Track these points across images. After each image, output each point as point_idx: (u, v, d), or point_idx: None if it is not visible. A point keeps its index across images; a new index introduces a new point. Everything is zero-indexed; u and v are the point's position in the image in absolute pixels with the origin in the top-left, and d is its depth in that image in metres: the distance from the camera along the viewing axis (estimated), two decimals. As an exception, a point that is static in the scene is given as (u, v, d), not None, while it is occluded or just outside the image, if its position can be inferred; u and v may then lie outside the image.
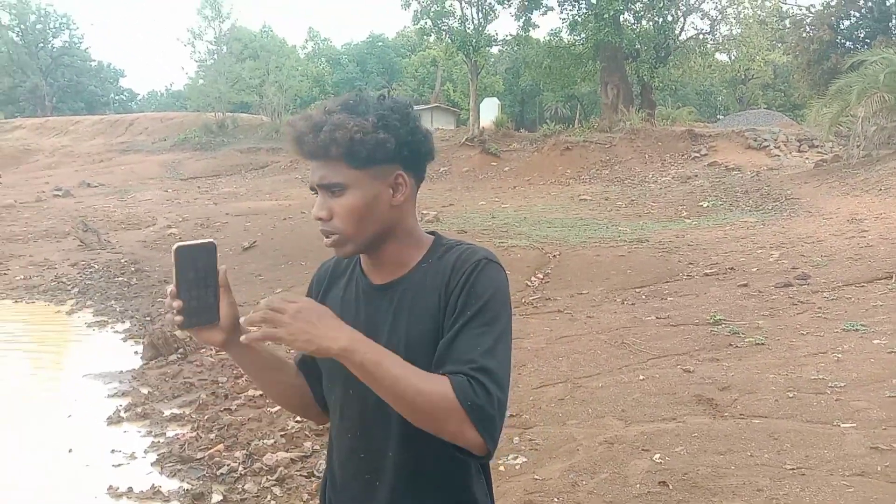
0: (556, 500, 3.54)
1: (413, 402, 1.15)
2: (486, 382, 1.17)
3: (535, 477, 3.81)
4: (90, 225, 13.35)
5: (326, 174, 1.26)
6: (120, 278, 10.25)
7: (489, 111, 29.53)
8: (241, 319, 1.25)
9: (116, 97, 64.72)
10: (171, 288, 1.22)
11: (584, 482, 3.65)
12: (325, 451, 4.36)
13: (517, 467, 3.96)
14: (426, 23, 27.19)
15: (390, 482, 1.33)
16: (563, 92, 34.64)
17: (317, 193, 1.31)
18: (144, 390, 5.85)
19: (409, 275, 1.32)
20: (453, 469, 1.34)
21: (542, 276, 8.64)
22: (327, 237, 1.31)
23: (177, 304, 1.21)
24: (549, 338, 6.25)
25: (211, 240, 1.28)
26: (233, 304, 1.29)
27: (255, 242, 11.82)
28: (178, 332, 6.74)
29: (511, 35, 28.53)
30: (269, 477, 4.15)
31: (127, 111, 53.85)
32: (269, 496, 3.94)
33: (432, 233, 1.39)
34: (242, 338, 1.19)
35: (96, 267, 11.05)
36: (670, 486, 3.47)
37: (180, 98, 52.40)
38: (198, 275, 1.23)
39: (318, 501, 3.84)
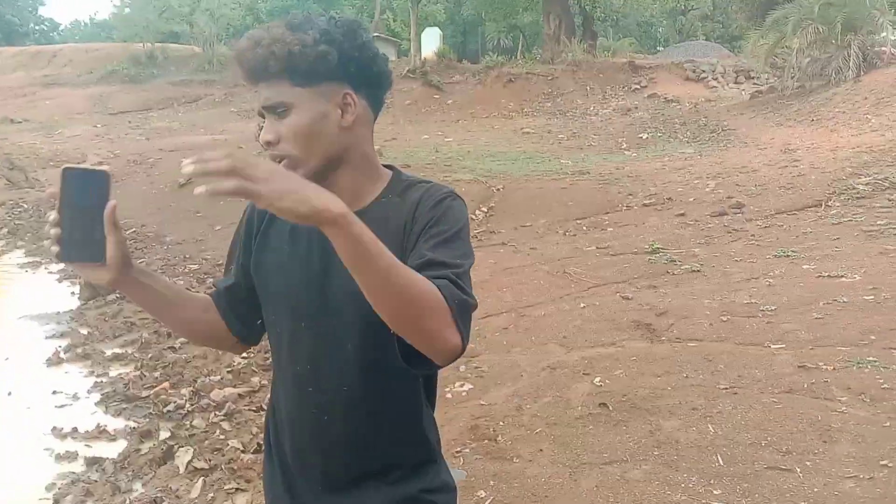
0: (501, 423, 3.66)
1: (403, 292, 1.04)
2: (465, 287, 1.14)
3: (482, 402, 3.92)
4: (16, 163, 12.73)
5: (270, 95, 1.20)
6: (51, 218, 9.87)
7: (430, 42, 28.92)
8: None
9: (37, 27, 60.87)
10: (52, 214, 1.09)
11: (528, 406, 3.78)
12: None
13: (464, 394, 4.06)
14: (364, -52, 26.22)
15: (342, 417, 1.31)
16: (506, 22, 34.10)
17: (263, 119, 1.25)
18: (84, 331, 5.72)
19: (367, 209, 1.27)
20: (407, 402, 1.33)
21: (486, 210, 8.69)
22: (277, 162, 1.23)
23: (55, 231, 1.09)
24: (494, 269, 6.34)
25: (105, 168, 1.15)
26: (122, 242, 1.16)
27: (190, 179, 11.49)
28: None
29: (452, -38, 27.81)
30: (217, 413, 4.16)
31: (49, 42, 50.82)
32: (217, 431, 3.95)
33: (389, 167, 1.35)
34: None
35: (25, 206, 10.62)
36: (610, 408, 3.62)
37: (106, 28, 49.63)
38: (84, 205, 1.10)
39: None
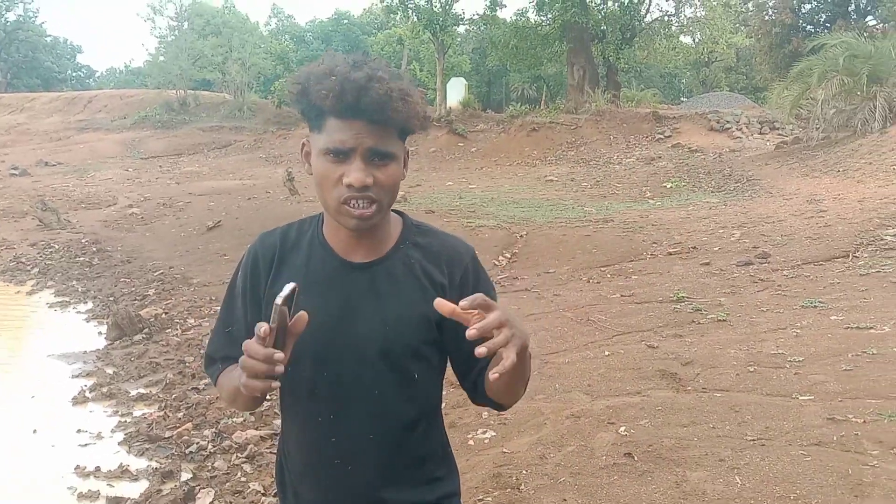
0: (524, 472, 3.61)
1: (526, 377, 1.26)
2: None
3: (504, 450, 3.87)
4: (49, 204, 13.04)
5: (382, 142, 1.21)
6: (81, 258, 10.06)
7: (456, 91, 29.47)
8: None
9: (74, 74, 63.03)
10: (271, 351, 1.07)
11: (551, 455, 3.72)
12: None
13: (486, 441, 4.02)
14: (392, 1, 26.93)
15: (371, 464, 1.31)
16: (530, 73, 34.69)
17: (339, 156, 1.21)
18: (109, 370, 5.78)
19: (388, 255, 1.31)
20: (429, 445, 1.37)
21: (509, 256, 8.70)
22: (363, 205, 1.22)
23: (279, 356, 1.07)
24: (517, 315, 6.32)
25: (293, 284, 1.13)
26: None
27: (219, 222, 11.68)
28: (142, 313, 6.67)
29: (478, 14, 28.46)
30: (238, 454, 4.16)
31: (85, 88, 52.44)
32: (239, 473, 3.94)
33: (397, 212, 1.37)
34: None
35: (56, 247, 10.83)
36: (635, 458, 3.55)
37: (140, 75, 51.13)
38: (285, 321, 1.12)
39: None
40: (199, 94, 34.84)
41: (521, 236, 9.46)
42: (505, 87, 41.77)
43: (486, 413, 4.36)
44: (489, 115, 25.13)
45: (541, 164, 18.33)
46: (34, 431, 4.67)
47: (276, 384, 1.08)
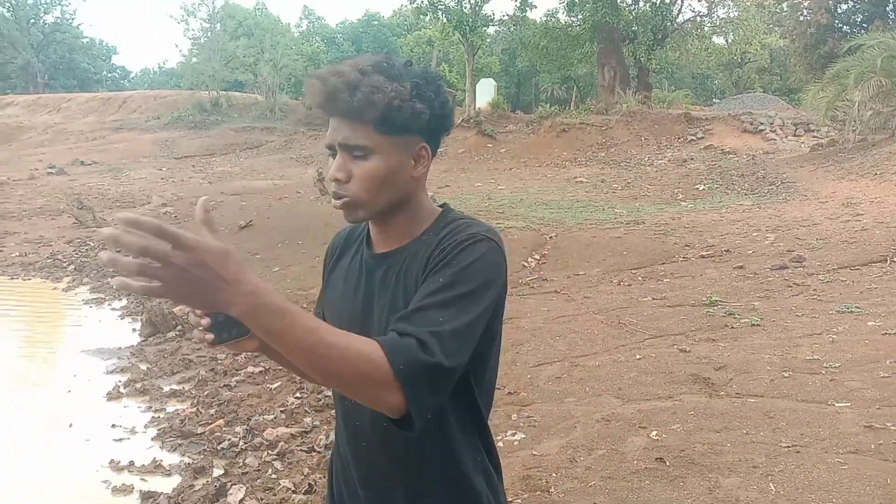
0: (554, 475, 3.59)
1: (328, 370, 1.02)
2: (436, 347, 1.08)
3: (534, 453, 3.86)
4: (85, 202, 13.29)
5: (352, 136, 1.22)
6: (116, 256, 10.23)
7: (485, 92, 29.42)
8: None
9: (109, 75, 64.16)
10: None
11: (581, 458, 3.70)
12: (325, 427, 4.34)
13: (516, 443, 4.01)
14: (422, 2, 26.99)
15: (383, 453, 1.31)
16: (560, 73, 34.49)
17: (333, 153, 1.26)
18: (143, 366, 5.87)
19: (408, 245, 1.30)
20: (446, 446, 1.29)
21: (538, 257, 8.66)
22: (338, 199, 1.26)
23: (205, 321, 1.09)
24: (547, 317, 6.29)
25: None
26: None
27: (251, 221, 11.80)
28: (175, 310, 6.76)
29: (507, 15, 28.39)
30: (269, 451, 4.19)
31: (120, 89, 53.36)
32: (270, 470, 3.98)
33: (443, 206, 1.36)
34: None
35: (92, 244, 11.03)
36: (667, 463, 3.52)
37: (173, 76, 51.92)
38: None
39: (317, 476, 3.85)
40: (232, 94, 35.24)
41: (551, 238, 9.41)
42: (534, 87, 41.63)
43: (515, 415, 4.35)
44: (518, 116, 25.04)
45: (570, 166, 18.23)
46: (70, 425, 4.76)
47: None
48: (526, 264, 8.40)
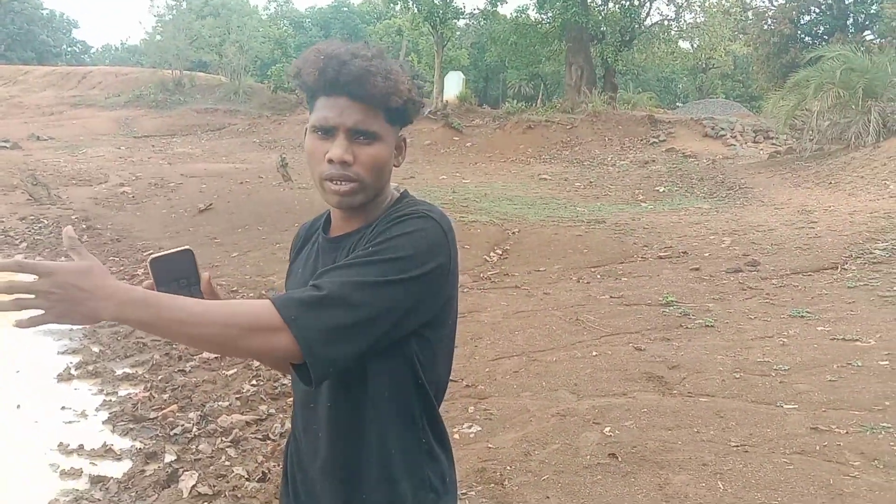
0: (508, 467, 3.63)
1: (204, 337, 1.07)
2: (324, 286, 1.11)
3: (489, 445, 3.89)
4: (40, 179, 12.93)
5: (364, 120, 1.22)
6: (70, 235, 9.99)
7: (453, 85, 29.42)
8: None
9: (69, 49, 62.35)
10: None
11: (536, 452, 3.75)
12: (280, 416, 4.31)
13: (472, 435, 4.03)
14: (393, -9, 26.85)
15: (329, 438, 1.30)
16: (528, 70, 34.65)
17: (325, 134, 1.24)
18: (96, 348, 5.75)
19: (361, 228, 1.30)
20: (391, 433, 1.28)
21: (500, 252, 8.71)
22: (342, 182, 1.24)
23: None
24: (506, 312, 6.34)
25: (187, 247, 1.23)
26: None
27: (210, 205, 11.62)
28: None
29: (478, 9, 28.45)
30: (223, 438, 4.14)
31: (80, 64, 51.89)
32: (223, 457, 3.93)
33: (404, 191, 1.37)
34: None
35: (46, 222, 10.74)
36: (619, 458, 3.58)
37: (136, 53, 50.78)
38: (179, 283, 1.19)
39: (271, 465, 3.82)
40: (195, 75, 34.57)
41: (513, 233, 9.47)
42: (502, 83, 41.73)
43: (472, 408, 4.37)
44: (485, 111, 25.11)
45: (535, 162, 18.35)
46: (18, 406, 4.64)
47: None
48: (488, 259, 8.45)
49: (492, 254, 8.58)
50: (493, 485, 3.48)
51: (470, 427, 4.13)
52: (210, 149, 21.53)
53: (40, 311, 1.00)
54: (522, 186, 14.48)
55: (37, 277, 1.00)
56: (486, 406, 4.41)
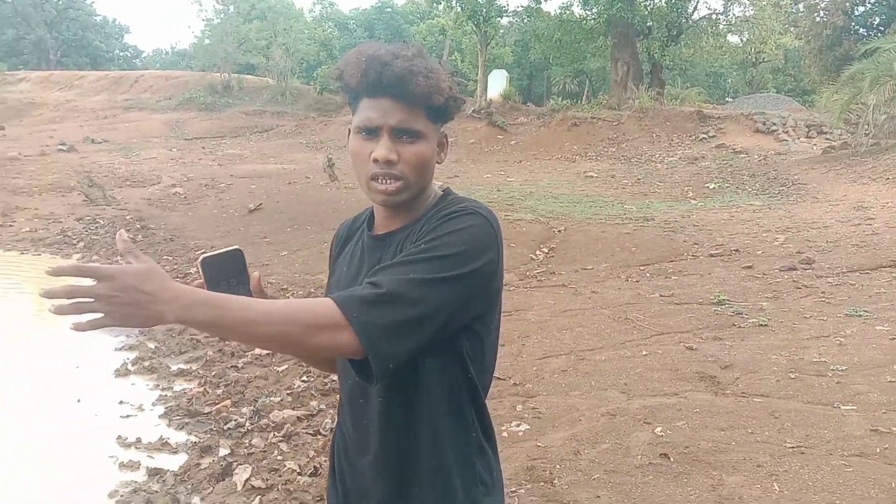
0: (558, 466, 3.61)
1: (270, 337, 1.09)
2: (383, 284, 1.13)
3: (538, 444, 3.87)
4: (95, 180, 13.32)
5: (407, 119, 1.24)
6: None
7: (497, 83, 29.34)
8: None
9: (121, 53, 64.13)
10: None
11: (586, 451, 3.72)
12: (331, 412, 4.36)
13: (520, 434, 4.02)
14: (437, -10, 26.89)
15: (380, 431, 1.31)
16: (573, 67, 34.40)
17: (370, 134, 1.26)
18: (151, 345, 5.91)
19: (407, 226, 1.32)
20: (442, 427, 1.30)
21: (546, 251, 8.66)
22: (388, 181, 1.26)
23: None
24: (553, 311, 6.30)
25: (236, 247, 1.25)
26: None
27: (260, 205, 11.82)
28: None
29: (522, 7, 28.28)
30: (276, 433, 4.21)
31: (131, 68, 53.32)
32: (276, 451, 4.00)
33: (446, 189, 1.38)
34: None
35: (101, 222, 11.06)
36: (671, 459, 3.53)
37: (185, 57, 51.93)
38: (229, 283, 1.21)
39: (322, 459, 3.86)
40: (243, 77, 35.20)
41: (560, 231, 9.41)
42: (547, 80, 41.50)
43: (520, 406, 4.36)
44: (530, 108, 25.01)
45: (581, 160, 18.20)
46: (78, 401, 4.80)
47: None
48: (534, 257, 8.41)
49: (538, 252, 8.53)
50: (542, 483, 3.46)
51: (518, 425, 4.11)
52: (258, 150, 21.90)
53: (101, 315, 1.01)
54: (568, 184, 14.36)
55: (96, 281, 1.00)
56: (535, 404, 4.40)
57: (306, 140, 23.55)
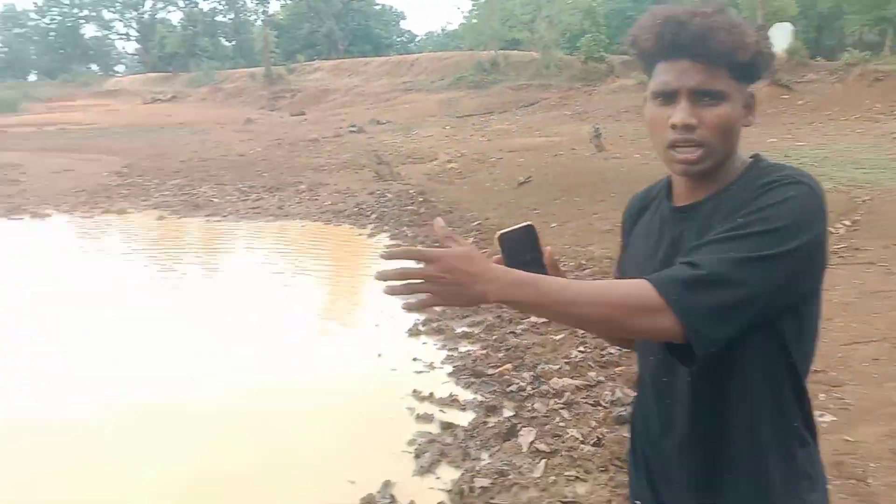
0: (872, 465, 3.25)
1: (589, 317, 1.09)
2: (704, 265, 1.07)
3: (847, 438, 3.51)
4: (383, 158, 14.59)
5: (708, 80, 1.15)
6: (410, 207, 11.14)
7: (780, 38, 26.53)
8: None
9: (398, 39, 69.15)
10: None
11: (908, 451, 3.28)
12: (610, 384, 4.32)
13: (824, 426, 3.66)
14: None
15: (687, 411, 1.25)
16: (872, 14, 29.96)
17: (666, 99, 1.19)
18: (438, 308, 6.34)
19: (712, 196, 1.22)
20: (758, 411, 1.21)
21: (849, 223, 7.71)
22: (688, 148, 1.18)
23: None
24: (861, 291, 5.61)
25: (529, 222, 1.27)
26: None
27: (529, 178, 12.04)
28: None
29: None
30: (556, 400, 4.30)
31: (407, 52, 57.30)
32: (557, 418, 4.09)
33: (755, 155, 1.27)
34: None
35: (389, 196, 12.10)
36: None
37: (455, 38, 54.43)
38: (524, 258, 1.22)
39: (604, 430, 3.85)
40: (509, 53, 36.00)
41: (864, 201, 8.32)
42: (839, 31, 36.70)
43: (823, 395, 3.97)
44: (820, 64, 22.39)
45: (887, 119, 15.88)
46: (378, 356, 5.33)
47: None
48: (834, 230, 7.52)
49: (838, 225, 7.62)
50: (854, 481, 3.15)
51: (822, 416, 3.74)
52: (524, 124, 22.33)
53: (430, 296, 1.08)
54: (872, 147, 12.61)
55: (424, 264, 1.07)
56: (840, 395, 3.97)
57: (571, 111, 23.49)
